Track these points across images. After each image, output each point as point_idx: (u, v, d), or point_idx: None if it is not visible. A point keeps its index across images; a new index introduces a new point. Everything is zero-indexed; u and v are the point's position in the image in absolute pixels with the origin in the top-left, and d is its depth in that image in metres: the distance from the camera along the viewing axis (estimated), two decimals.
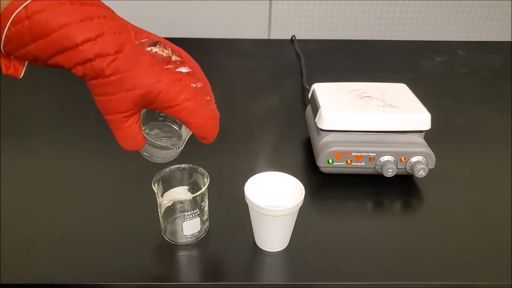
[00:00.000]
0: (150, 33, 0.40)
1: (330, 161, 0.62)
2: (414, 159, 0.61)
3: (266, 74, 1.00)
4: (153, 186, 0.50)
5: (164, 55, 0.40)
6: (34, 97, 0.88)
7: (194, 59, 0.43)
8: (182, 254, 0.52)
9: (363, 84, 0.71)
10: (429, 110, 0.64)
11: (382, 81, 0.73)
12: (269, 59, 1.08)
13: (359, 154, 0.62)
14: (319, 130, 0.64)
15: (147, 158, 0.48)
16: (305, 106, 0.81)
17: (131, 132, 0.41)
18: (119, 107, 0.39)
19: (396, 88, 0.71)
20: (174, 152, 0.47)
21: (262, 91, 0.93)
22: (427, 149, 0.62)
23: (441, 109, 0.84)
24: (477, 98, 0.90)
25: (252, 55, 1.10)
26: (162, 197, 0.52)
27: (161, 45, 0.40)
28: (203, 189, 0.51)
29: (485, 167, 0.69)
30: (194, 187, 0.54)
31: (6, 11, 0.33)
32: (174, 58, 0.40)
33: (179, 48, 0.42)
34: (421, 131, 0.64)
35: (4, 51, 0.35)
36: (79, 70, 0.36)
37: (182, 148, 0.48)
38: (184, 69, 0.41)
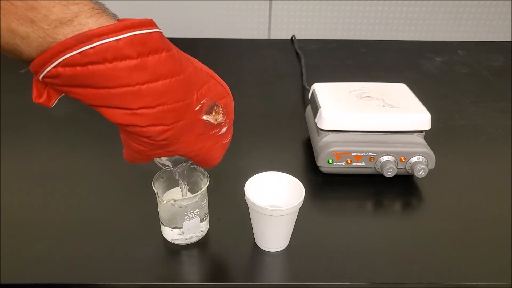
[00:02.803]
0: (209, 77, 0.38)
1: (330, 161, 0.62)
2: (414, 159, 0.61)
3: (266, 74, 1.00)
4: (153, 186, 0.50)
5: (215, 123, 0.38)
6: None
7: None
8: (182, 254, 0.52)
9: (363, 84, 0.71)
10: (429, 110, 0.64)
11: (382, 81, 0.73)
12: (269, 59, 1.08)
13: (359, 154, 0.62)
14: (319, 130, 0.64)
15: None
16: (305, 106, 0.81)
17: (146, 161, 0.41)
18: (150, 157, 0.38)
19: (396, 88, 0.71)
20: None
21: (262, 91, 0.93)
22: (427, 149, 0.62)
23: (441, 109, 0.84)
24: (477, 98, 0.90)
25: (252, 55, 1.10)
26: (162, 197, 0.52)
27: (217, 110, 0.38)
28: (203, 189, 0.51)
29: (485, 167, 0.69)
30: (194, 187, 0.54)
31: (57, 48, 0.29)
32: (222, 121, 0.39)
33: (227, 96, 0.40)
34: (421, 131, 0.64)
35: (42, 81, 0.31)
36: (123, 127, 0.33)
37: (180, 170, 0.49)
38: (224, 130, 0.41)
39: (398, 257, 0.52)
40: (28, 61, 0.30)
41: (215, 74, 0.40)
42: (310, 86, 0.74)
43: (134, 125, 0.32)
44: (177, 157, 0.46)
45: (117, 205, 0.59)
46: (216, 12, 1.17)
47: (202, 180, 0.53)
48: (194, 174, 0.54)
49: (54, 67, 0.29)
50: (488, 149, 0.74)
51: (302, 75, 0.97)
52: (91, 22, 0.29)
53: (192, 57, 0.37)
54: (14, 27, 0.28)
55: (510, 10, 1.18)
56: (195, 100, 0.35)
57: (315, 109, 0.67)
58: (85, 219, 0.57)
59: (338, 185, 0.64)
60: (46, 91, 0.32)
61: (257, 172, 0.53)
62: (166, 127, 0.33)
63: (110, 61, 0.29)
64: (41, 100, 0.32)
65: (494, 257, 0.52)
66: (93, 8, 0.29)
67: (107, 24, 0.29)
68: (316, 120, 0.65)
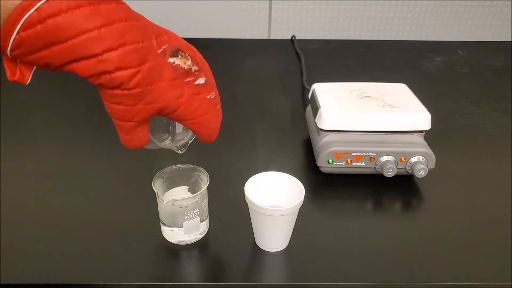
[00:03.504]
0: (167, 31, 0.38)
1: (330, 161, 0.62)
2: (414, 159, 0.61)
3: (266, 74, 1.00)
4: (153, 186, 0.50)
5: (185, 67, 0.38)
6: (34, 96, 0.88)
7: None
8: (182, 254, 0.52)
9: (363, 84, 0.71)
10: (429, 110, 0.64)
11: (382, 81, 0.73)
12: (269, 59, 1.08)
13: (359, 154, 0.62)
14: (319, 130, 0.64)
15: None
16: (305, 106, 0.81)
17: (139, 136, 0.40)
18: (135, 117, 0.38)
19: (396, 88, 0.71)
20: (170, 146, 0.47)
21: (262, 91, 0.93)
22: (427, 149, 0.62)
23: (441, 109, 0.84)
24: (477, 98, 0.90)
25: (252, 55, 1.10)
26: (162, 197, 0.52)
27: (182, 54, 0.38)
28: (203, 189, 0.51)
29: (485, 167, 0.69)
30: (194, 187, 0.54)
31: (15, 13, 0.30)
32: (193, 68, 0.39)
33: (195, 51, 0.40)
34: (421, 131, 0.64)
35: (11, 56, 0.32)
36: (95, 80, 0.34)
37: (184, 151, 0.48)
38: (202, 80, 0.40)
39: (398, 257, 0.52)
40: None
41: (173, 32, 0.40)
42: (310, 86, 0.74)
43: (103, 72, 0.33)
44: (178, 137, 0.45)
45: (117, 205, 0.59)
46: (216, 12, 1.17)
47: (202, 180, 0.53)
48: (194, 174, 0.54)
49: (17, 33, 0.30)
50: (488, 149, 0.74)
51: (302, 75, 0.97)
52: None
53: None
54: None
55: (510, 10, 1.18)
56: (155, 44, 0.36)
57: (315, 109, 0.67)
58: (85, 219, 0.57)
59: (338, 185, 0.64)
60: (18, 68, 0.33)
61: (257, 172, 0.53)
62: (133, 70, 0.34)
63: (66, 11, 0.30)
64: (16, 78, 0.34)
65: (494, 257, 0.52)
66: None
67: None
68: (316, 120, 0.65)
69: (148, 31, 0.36)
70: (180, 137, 0.47)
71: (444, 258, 0.52)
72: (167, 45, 0.37)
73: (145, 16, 0.38)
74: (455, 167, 0.68)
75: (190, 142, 0.47)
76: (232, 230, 0.55)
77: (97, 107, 0.83)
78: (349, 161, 0.62)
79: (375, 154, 0.62)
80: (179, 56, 0.37)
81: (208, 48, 1.13)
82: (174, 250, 0.52)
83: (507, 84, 0.97)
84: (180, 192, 0.54)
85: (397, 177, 0.63)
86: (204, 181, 0.52)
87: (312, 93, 0.72)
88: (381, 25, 1.20)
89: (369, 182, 0.64)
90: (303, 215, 0.53)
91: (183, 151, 0.48)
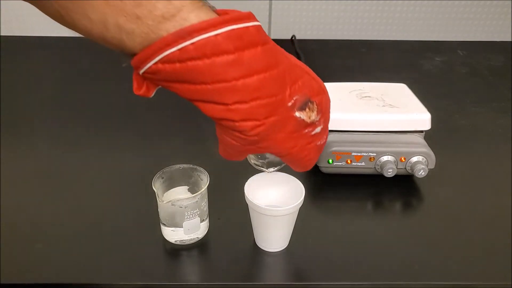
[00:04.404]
0: (303, 73, 0.37)
1: (330, 161, 0.62)
2: (414, 159, 0.61)
3: None
4: (153, 186, 0.50)
5: (309, 121, 0.37)
6: (34, 96, 0.88)
7: None
8: (182, 254, 0.52)
9: (363, 84, 0.71)
10: (429, 110, 0.64)
11: (382, 81, 0.73)
12: None
13: (359, 154, 0.62)
14: None
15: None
16: None
17: (239, 158, 0.41)
18: (243, 153, 0.38)
19: (396, 88, 0.71)
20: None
21: None
22: (427, 149, 0.62)
23: (441, 109, 0.84)
24: (477, 98, 0.90)
25: None
26: (162, 197, 0.52)
27: (310, 106, 0.37)
28: (203, 189, 0.51)
29: (485, 167, 0.69)
30: (194, 187, 0.54)
31: (158, 45, 0.29)
32: (315, 120, 0.38)
33: (323, 92, 0.39)
34: (421, 131, 0.64)
35: (142, 75, 0.32)
36: (217, 120, 0.33)
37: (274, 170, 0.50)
38: (318, 129, 0.39)
39: (398, 257, 0.52)
40: (129, 54, 0.31)
41: (310, 70, 0.39)
42: None
43: (228, 119, 0.33)
44: (270, 159, 0.46)
45: (117, 205, 0.59)
46: None
47: (202, 180, 0.53)
48: (194, 174, 0.54)
49: (154, 63, 0.30)
50: (488, 149, 0.74)
51: None
52: (192, 17, 0.29)
53: (287, 52, 0.37)
54: (121, 23, 0.29)
55: (510, 10, 1.18)
56: (288, 95, 0.35)
57: None
58: (85, 219, 0.57)
59: (338, 185, 0.64)
60: (145, 84, 0.33)
61: (257, 172, 0.53)
62: (257, 122, 0.33)
63: (209, 57, 0.30)
64: (141, 92, 0.33)
65: (494, 257, 0.52)
66: (193, 2, 0.30)
67: (207, 18, 0.30)
68: None
69: (285, 80, 0.34)
70: (266, 156, 0.48)
71: (444, 258, 0.52)
72: (298, 95, 0.36)
73: None
74: (455, 167, 0.68)
75: (282, 164, 0.48)
76: (232, 230, 0.55)
77: (97, 107, 0.83)
78: (349, 161, 0.62)
79: (375, 154, 0.62)
80: (307, 110, 0.37)
81: None
82: (174, 250, 0.52)
83: (507, 84, 0.97)
84: (180, 192, 0.54)
85: (397, 177, 0.63)
86: (204, 181, 0.52)
87: None
88: (381, 25, 1.20)
89: (369, 182, 0.64)
90: (303, 215, 0.53)
91: (272, 170, 0.49)
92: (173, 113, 0.81)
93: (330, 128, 0.62)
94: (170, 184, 0.54)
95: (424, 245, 0.54)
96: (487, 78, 1.00)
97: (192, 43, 0.29)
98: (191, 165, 0.54)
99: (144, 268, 0.50)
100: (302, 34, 1.20)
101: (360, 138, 0.63)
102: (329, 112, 0.40)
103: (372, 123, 0.63)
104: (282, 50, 0.36)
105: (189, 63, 0.30)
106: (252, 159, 0.49)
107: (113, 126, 0.77)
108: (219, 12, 0.32)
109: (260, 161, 0.49)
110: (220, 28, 0.29)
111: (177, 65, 0.30)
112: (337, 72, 1.01)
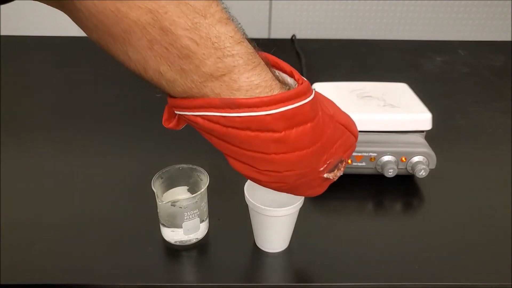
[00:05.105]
0: (343, 133, 0.35)
1: None
2: (415, 159, 0.61)
3: None
4: (152, 187, 0.50)
5: (335, 179, 0.36)
6: (34, 96, 0.88)
7: None
8: (182, 254, 0.52)
9: (363, 83, 0.71)
10: (430, 110, 0.64)
11: (383, 81, 0.73)
12: None
13: (359, 154, 0.62)
14: None
15: None
16: None
17: None
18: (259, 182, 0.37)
19: (397, 87, 0.71)
20: None
21: None
22: (428, 149, 0.62)
23: (442, 109, 0.84)
24: (478, 98, 0.90)
25: None
26: (161, 197, 0.52)
27: (340, 165, 0.35)
28: (203, 189, 0.50)
29: (485, 167, 0.69)
30: (194, 187, 0.54)
31: (200, 103, 0.27)
32: (341, 174, 0.36)
33: (353, 145, 0.37)
34: (422, 131, 0.64)
35: (176, 112, 0.30)
36: (246, 177, 0.33)
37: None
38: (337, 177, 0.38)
39: (398, 257, 0.52)
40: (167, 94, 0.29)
41: (351, 120, 0.37)
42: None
43: (255, 179, 0.32)
44: None
45: (116, 206, 0.59)
46: None
47: (202, 180, 0.53)
48: (193, 174, 0.54)
49: (194, 115, 0.28)
50: (489, 149, 0.73)
51: (302, 74, 0.97)
52: (242, 79, 0.27)
53: (332, 104, 0.35)
54: (163, 70, 0.27)
55: (510, 10, 1.18)
56: (322, 161, 0.33)
57: None
58: (84, 219, 0.57)
59: (338, 185, 0.64)
60: (176, 119, 0.31)
61: None
62: (283, 185, 0.33)
63: (253, 131, 0.28)
64: (171, 125, 0.32)
65: (493, 257, 0.52)
66: (247, 61, 0.27)
67: (258, 82, 0.27)
68: None
69: (324, 151, 0.32)
70: None
71: (444, 258, 0.52)
72: (332, 159, 0.34)
73: None
74: (456, 167, 0.68)
75: None
76: (232, 231, 0.55)
77: (97, 108, 0.83)
78: (349, 161, 0.62)
79: (375, 154, 0.62)
80: (336, 171, 0.35)
81: None
82: (174, 251, 0.52)
83: (508, 84, 0.97)
84: (180, 193, 0.54)
85: (397, 177, 0.63)
86: (204, 181, 0.52)
87: None
88: (382, 24, 1.20)
89: (370, 182, 0.64)
90: (303, 215, 0.53)
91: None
92: None
93: None
94: (170, 184, 0.54)
95: (424, 245, 0.54)
96: (487, 78, 1.00)
97: (240, 117, 0.27)
98: (190, 165, 0.54)
99: (144, 269, 0.50)
100: (302, 33, 1.19)
101: (361, 138, 0.63)
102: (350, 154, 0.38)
103: (372, 123, 0.63)
104: (329, 108, 0.34)
105: (231, 130, 0.28)
106: None
107: (113, 126, 0.76)
108: (277, 66, 0.30)
109: None
110: (274, 108, 0.27)
111: (218, 126, 0.28)
112: (338, 72, 1.01)
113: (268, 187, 0.34)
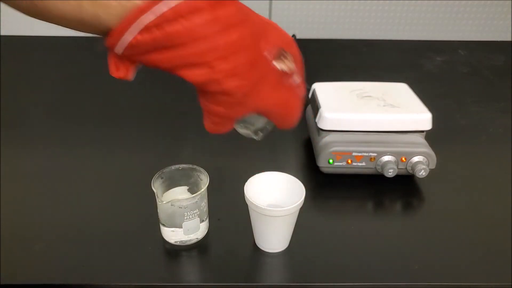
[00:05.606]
0: (270, 27, 0.37)
1: (331, 161, 0.62)
2: (415, 159, 0.61)
3: None
4: (152, 187, 0.50)
5: (287, 70, 0.38)
6: (34, 96, 0.88)
7: None
8: (182, 254, 0.52)
9: (363, 83, 0.71)
10: (430, 110, 0.64)
11: (383, 81, 0.73)
12: None
13: (359, 154, 0.62)
14: (320, 130, 0.64)
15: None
16: (305, 106, 0.81)
17: (226, 129, 0.40)
18: (230, 118, 0.38)
19: (397, 87, 0.71)
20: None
21: None
22: (428, 149, 0.62)
23: (442, 109, 0.84)
24: (478, 98, 0.90)
25: None
26: (161, 197, 0.52)
27: (286, 56, 0.37)
28: (203, 189, 0.50)
29: (485, 167, 0.69)
30: (194, 187, 0.54)
31: (132, 16, 0.29)
32: (292, 67, 0.38)
33: (293, 44, 0.39)
34: (422, 131, 0.64)
35: (120, 54, 0.31)
36: (203, 87, 0.33)
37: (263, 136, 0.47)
38: (297, 79, 0.40)
39: (398, 257, 0.52)
40: (105, 33, 0.30)
41: (278, 25, 0.39)
42: (310, 86, 0.74)
43: (213, 81, 0.32)
44: (257, 125, 0.45)
45: (116, 206, 0.59)
46: None
47: (202, 180, 0.53)
48: (193, 174, 0.54)
49: (133, 37, 0.29)
50: (489, 149, 0.73)
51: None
52: None
53: (255, 12, 0.37)
54: None
55: (510, 10, 1.18)
56: (262, 47, 0.35)
57: (316, 109, 0.67)
58: (84, 219, 0.57)
59: (338, 185, 0.64)
60: (123, 65, 0.32)
61: (257, 172, 0.53)
62: (242, 81, 0.33)
63: (186, 18, 0.29)
64: (121, 74, 0.32)
65: (493, 257, 0.52)
66: None
67: None
68: (316, 120, 0.65)
69: (258, 34, 0.35)
70: (252, 122, 0.47)
71: (444, 258, 0.52)
72: (271, 46, 0.36)
73: None
74: (456, 167, 0.68)
75: (268, 128, 0.46)
76: (232, 231, 0.55)
77: (97, 108, 0.83)
78: (349, 161, 0.62)
79: (375, 154, 0.62)
80: (282, 59, 0.37)
81: None
82: (174, 251, 0.52)
83: (508, 83, 0.97)
84: (180, 193, 0.54)
85: (397, 177, 0.63)
86: (204, 181, 0.52)
87: (313, 93, 0.71)
88: (382, 24, 1.20)
89: (370, 182, 0.64)
90: (304, 215, 0.53)
91: (261, 137, 0.47)
92: (172, 113, 0.81)
93: (330, 128, 0.63)
94: (170, 184, 0.54)
95: (424, 245, 0.54)
96: (487, 78, 1.00)
97: (170, 9, 0.29)
98: (190, 165, 0.54)
99: (144, 269, 0.50)
100: (303, 33, 1.20)
101: (361, 138, 0.63)
102: (301, 61, 0.40)
103: (372, 123, 0.63)
104: (251, 9, 0.36)
105: (167, 28, 0.29)
106: (239, 128, 0.47)
107: (113, 126, 0.76)
108: None
109: (247, 130, 0.47)
110: None
111: (157, 33, 0.29)
112: (338, 72, 1.01)
113: (231, 92, 0.34)
